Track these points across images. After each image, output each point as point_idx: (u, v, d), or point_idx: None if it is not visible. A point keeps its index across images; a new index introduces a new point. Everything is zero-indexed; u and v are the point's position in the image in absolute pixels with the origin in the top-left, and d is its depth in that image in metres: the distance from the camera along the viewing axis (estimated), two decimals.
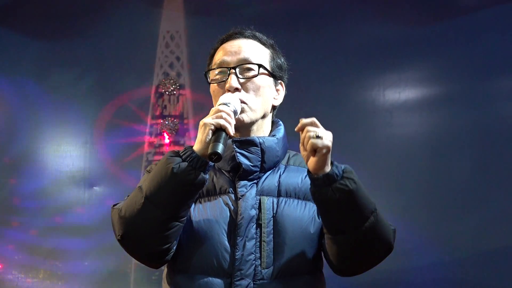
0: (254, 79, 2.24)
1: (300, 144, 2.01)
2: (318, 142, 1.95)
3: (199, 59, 4.51)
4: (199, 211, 2.17)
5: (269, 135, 2.29)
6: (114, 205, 2.18)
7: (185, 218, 2.11)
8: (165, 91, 5.08)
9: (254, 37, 2.31)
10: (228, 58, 2.25)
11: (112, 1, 5.20)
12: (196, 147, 2.05)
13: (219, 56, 2.28)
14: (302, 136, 1.99)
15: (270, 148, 2.23)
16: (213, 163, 2.04)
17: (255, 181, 2.20)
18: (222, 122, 2.04)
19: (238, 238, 2.12)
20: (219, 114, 2.06)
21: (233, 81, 2.21)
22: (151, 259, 2.16)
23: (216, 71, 2.27)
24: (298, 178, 2.23)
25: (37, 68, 5.19)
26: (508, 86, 4.74)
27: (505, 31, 4.69)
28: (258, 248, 2.12)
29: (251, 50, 2.27)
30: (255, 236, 2.13)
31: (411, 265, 4.59)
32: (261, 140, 2.21)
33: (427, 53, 4.79)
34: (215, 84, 2.26)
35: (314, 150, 1.97)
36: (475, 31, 4.72)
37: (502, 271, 4.50)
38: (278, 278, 2.11)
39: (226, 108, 2.09)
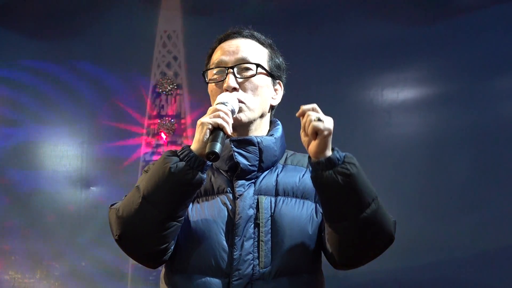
0: (252, 78, 2.23)
1: (301, 130, 2.00)
2: (320, 124, 1.94)
3: (197, 59, 4.49)
4: (197, 211, 2.17)
5: (267, 135, 2.28)
6: (112, 205, 2.17)
7: (183, 218, 2.10)
8: (162, 91, 5.08)
9: (252, 37, 2.30)
10: (226, 58, 2.25)
11: (109, 0, 5.19)
12: (194, 146, 2.04)
13: (217, 56, 2.28)
14: (303, 121, 1.98)
15: (268, 147, 2.22)
16: (210, 163, 2.03)
17: (253, 180, 2.20)
18: (219, 121, 2.03)
19: (236, 237, 2.11)
20: (217, 113, 2.05)
21: (231, 81, 2.20)
22: (149, 259, 2.16)
23: (214, 71, 2.27)
24: (295, 177, 2.23)
25: (34, 67, 5.18)
26: (506, 86, 4.74)
27: (504, 31, 4.69)
28: (256, 248, 2.11)
29: (249, 49, 2.26)
30: (253, 235, 2.12)
31: (408, 265, 4.58)
32: (259, 140, 2.21)
33: (425, 53, 4.79)
34: (213, 84, 2.26)
35: (315, 134, 1.96)
36: (474, 31, 4.72)
37: (499, 271, 4.50)
38: (276, 278, 2.10)
39: (224, 107, 2.08)
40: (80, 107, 5.11)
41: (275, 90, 2.33)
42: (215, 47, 2.32)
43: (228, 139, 2.17)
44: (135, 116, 5.09)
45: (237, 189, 2.17)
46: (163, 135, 5.04)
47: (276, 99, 2.33)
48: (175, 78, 5.10)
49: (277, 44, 2.38)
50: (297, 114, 1.99)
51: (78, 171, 5.07)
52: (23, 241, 5.03)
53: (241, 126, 2.23)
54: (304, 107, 1.98)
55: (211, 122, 2.03)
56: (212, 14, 5.03)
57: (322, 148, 1.96)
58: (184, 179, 2.00)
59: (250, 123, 2.24)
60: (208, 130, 2.03)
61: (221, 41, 2.31)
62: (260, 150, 2.20)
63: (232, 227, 2.13)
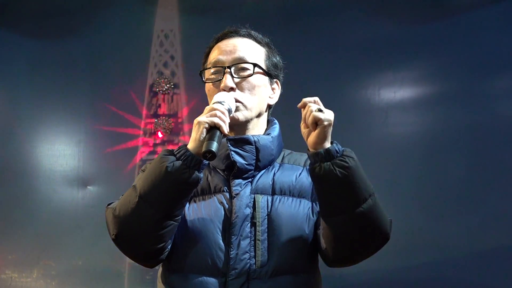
0: (249, 78, 2.23)
1: (302, 122, 2.00)
2: (320, 114, 1.95)
3: (194, 58, 4.52)
4: (193, 210, 2.17)
5: (264, 134, 2.28)
6: (109, 205, 2.17)
7: (180, 217, 2.10)
8: (159, 90, 5.07)
9: (249, 36, 2.30)
10: (223, 57, 2.25)
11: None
12: (190, 145, 2.04)
13: (214, 55, 2.28)
14: (304, 112, 1.99)
15: (265, 146, 2.22)
16: (207, 162, 2.03)
17: (250, 179, 2.20)
18: (216, 120, 2.03)
19: (233, 237, 2.11)
20: (213, 112, 2.05)
21: (228, 81, 2.21)
22: (146, 258, 2.16)
23: (211, 70, 2.27)
24: (292, 176, 2.23)
25: (30, 67, 5.18)
26: (504, 85, 4.74)
27: (501, 30, 4.69)
28: (252, 247, 2.11)
29: (246, 49, 2.26)
30: (249, 234, 2.12)
31: (405, 265, 4.58)
32: (256, 139, 2.21)
33: (422, 52, 4.79)
34: (210, 84, 2.26)
35: (315, 124, 1.97)
36: (471, 30, 4.72)
37: (497, 270, 4.50)
38: (273, 277, 2.10)
39: (221, 106, 2.08)
40: (77, 106, 5.11)
41: (273, 89, 2.33)
42: (212, 46, 2.32)
43: (225, 138, 2.17)
44: (132, 115, 5.09)
45: (233, 188, 2.17)
46: (160, 134, 5.03)
47: (274, 98, 2.34)
48: (172, 77, 5.09)
49: (274, 43, 2.38)
50: (298, 105, 2.00)
51: (75, 171, 5.06)
52: (20, 240, 5.02)
53: (238, 125, 2.23)
54: (306, 99, 1.99)
55: (207, 121, 2.03)
56: (209, 13, 5.03)
57: (321, 139, 1.97)
58: (180, 178, 2.00)
59: (247, 122, 2.24)
60: (204, 129, 2.03)
61: (218, 40, 2.31)
62: (257, 149, 2.21)
63: (228, 226, 2.13)
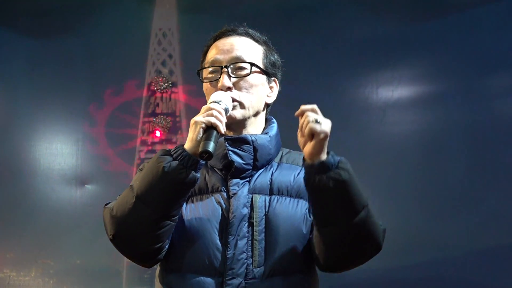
0: (247, 77, 2.23)
1: (298, 130, 1.99)
2: (317, 126, 1.92)
3: (192, 57, 4.51)
4: (191, 210, 2.16)
5: (262, 133, 2.28)
6: (106, 204, 2.17)
7: (177, 217, 2.10)
8: (157, 89, 5.07)
9: (247, 34, 2.30)
10: (220, 57, 2.24)
11: None
12: (187, 145, 2.04)
13: (211, 54, 2.27)
14: (301, 121, 1.97)
15: (262, 146, 2.22)
16: (204, 162, 2.03)
17: (248, 179, 2.19)
18: (213, 120, 2.03)
19: (230, 237, 2.11)
20: (210, 112, 2.05)
21: (225, 80, 2.20)
22: (143, 258, 2.16)
23: (209, 70, 2.26)
24: (290, 176, 2.23)
25: (28, 66, 5.17)
26: (502, 84, 4.74)
27: (499, 28, 4.69)
28: (250, 247, 2.11)
29: (244, 48, 2.26)
30: (247, 234, 2.12)
31: (403, 264, 4.58)
32: (253, 138, 2.20)
33: (420, 51, 4.78)
34: (208, 83, 2.26)
35: (312, 135, 1.95)
36: (469, 29, 4.72)
37: (496, 270, 4.50)
38: (270, 277, 2.10)
39: (217, 106, 2.08)
40: (75, 105, 5.10)
41: (270, 87, 2.32)
42: (210, 45, 2.31)
43: (223, 138, 2.17)
44: (130, 114, 5.08)
45: (231, 187, 2.16)
46: (158, 133, 5.03)
47: (271, 97, 2.33)
48: (170, 76, 5.09)
49: (272, 42, 2.37)
50: (296, 114, 1.98)
51: (73, 169, 5.05)
52: (18, 239, 5.02)
53: (236, 124, 2.23)
54: (304, 107, 1.96)
55: (204, 121, 2.03)
56: (208, 11, 5.02)
57: (317, 150, 1.96)
58: (177, 178, 2.00)
59: (244, 120, 2.24)
60: (201, 129, 2.03)
61: (216, 39, 2.31)
62: (255, 149, 2.20)
63: (226, 226, 2.12)
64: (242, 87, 2.22)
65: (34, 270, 4.97)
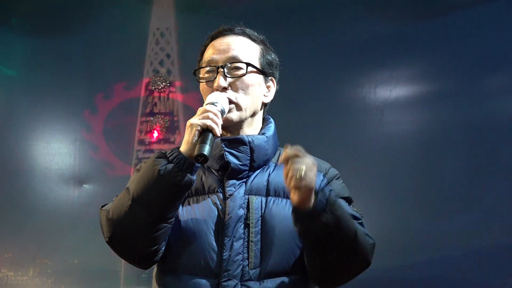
0: (243, 77, 2.22)
1: (284, 176, 1.97)
2: (302, 184, 1.92)
3: (190, 56, 4.50)
4: (187, 211, 2.16)
5: (259, 133, 2.27)
6: (103, 206, 2.17)
7: (173, 219, 2.10)
8: (155, 89, 5.06)
9: (244, 34, 2.29)
10: (216, 57, 2.24)
11: None
12: (183, 148, 2.04)
13: (208, 54, 2.27)
14: (285, 170, 1.95)
15: (259, 146, 2.21)
16: (199, 165, 2.02)
17: (244, 180, 2.19)
18: (208, 122, 2.03)
19: (226, 238, 2.11)
20: (206, 114, 2.05)
21: (221, 81, 2.19)
22: (140, 260, 2.16)
23: (205, 70, 2.26)
24: None
25: (26, 65, 5.16)
26: (500, 84, 4.73)
27: (497, 28, 4.69)
28: (245, 248, 2.11)
29: (240, 47, 2.25)
30: (243, 236, 2.11)
31: (402, 264, 4.58)
32: (250, 139, 2.20)
33: (418, 51, 4.78)
34: (204, 83, 2.25)
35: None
36: (467, 29, 4.71)
37: (494, 269, 4.50)
38: (266, 279, 2.10)
39: (213, 108, 2.08)
40: (73, 104, 5.09)
41: (268, 87, 2.31)
42: (207, 45, 2.31)
43: (219, 138, 2.16)
44: (128, 113, 5.08)
45: (227, 189, 2.16)
46: (156, 132, 5.02)
47: (269, 97, 2.32)
48: (168, 75, 5.08)
49: (270, 41, 2.37)
50: (279, 161, 1.96)
51: (70, 169, 5.05)
52: (16, 239, 5.01)
53: (233, 126, 2.22)
54: (288, 152, 1.94)
55: (200, 124, 2.03)
56: (205, 11, 5.01)
57: (304, 200, 1.96)
58: (173, 181, 2.00)
59: (241, 122, 2.23)
60: (197, 132, 2.02)
61: (213, 38, 2.30)
62: (252, 149, 2.19)
63: (222, 227, 2.12)
64: (239, 88, 2.21)
65: (32, 269, 4.97)
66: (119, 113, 5.08)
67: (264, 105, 2.32)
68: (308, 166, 1.93)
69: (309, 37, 4.88)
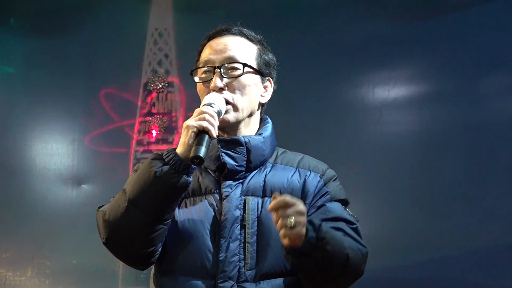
0: (240, 78, 2.21)
1: (274, 221, 1.96)
2: (292, 234, 1.92)
3: (188, 56, 4.48)
4: (184, 212, 2.16)
5: (256, 133, 2.26)
6: (99, 208, 2.17)
7: (170, 220, 2.10)
8: (153, 89, 5.06)
9: (241, 34, 2.28)
10: (213, 57, 2.23)
11: None
12: (179, 149, 2.04)
13: (205, 54, 2.26)
14: (274, 218, 1.95)
15: (256, 147, 2.21)
16: (195, 166, 2.02)
17: (241, 180, 2.19)
18: (205, 124, 2.03)
19: (222, 239, 2.10)
20: (202, 116, 2.04)
21: (217, 81, 2.19)
22: (137, 261, 2.16)
23: (202, 70, 2.25)
24: (284, 178, 2.22)
25: (24, 65, 5.16)
26: (498, 84, 4.73)
27: (496, 29, 4.68)
28: (242, 249, 2.10)
29: (237, 47, 2.25)
30: (239, 237, 2.11)
31: (401, 264, 4.58)
32: (246, 140, 2.19)
33: (417, 51, 4.78)
34: (201, 83, 2.25)
35: None
36: (466, 29, 4.71)
37: (493, 269, 4.50)
38: (262, 280, 2.10)
39: (210, 109, 2.07)
40: (71, 104, 5.09)
41: (265, 87, 2.31)
42: (204, 45, 2.30)
43: (216, 139, 2.15)
44: (126, 113, 5.07)
45: (224, 189, 2.16)
46: (154, 132, 5.02)
47: (266, 97, 2.31)
48: (166, 75, 5.08)
49: (268, 41, 2.36)
50: (268, 209, 1.95)
51: (69, 169, 5.04)
52: (14, 239, 5.01)
53: (229, 127, 2.22)
54: (276, 202, 1.93)
55: (196, 125, 2.03)
56: (204, 11, 5.01)
57: (295, 242, 1.96)
58: (169, 183, 2.00)
59: (238, 122, 2.23)
60: (193, 133, 2.02)
61: (210, 38, 2.29)
62: (248, 150, 2.19)
63: (218, 228, 2.12)
64: (235, 88, 2.20)
65: (30, 270, 4.97)
66: (117, 113, 5.07)
67: (261, 105, 2.32)
68: (298, 213, 1.93)
69: (307, 37, 4.87)
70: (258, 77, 2.26)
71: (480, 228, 4.53)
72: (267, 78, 2.31)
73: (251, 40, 2.29)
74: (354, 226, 2.18)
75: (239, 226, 2.12)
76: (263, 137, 2.24)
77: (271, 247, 2.09)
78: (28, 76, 5.15)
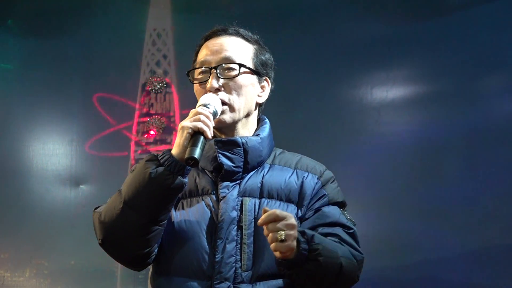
0: (236, 78, 2.21)
1: (264, 234, 1.96)
2: (282, 247, 1.92)
3: (186, 57, 4.49)
4: (180, 213, 2.16)
5: (253, 134, 2.26)
6: (96, 208, 2.17)
7: (166, 221, 2.09)
8: (151, 89, 5.06)
9: (237, 34, 2.28)
10: (209, 58, 2.23)
11: None
12: (174, 151, 2.04)
13: (201, 55, 2.26)
14: (265, 232, 1.95)
15: (253, 148, 2.20)
16: (190, 167, 2.02)
17: (238, 181, 2.18)
18: (200, 125, 2.02)
19: (219, 240, 2.10)
20: (197, 117, 2.04)
21: (213, 82, 2.19)
22: (133, 262, 2.16)
23: (198, 71, 2.25)
24: (281, 179, 2.21)
25: (22, 66, 5.16)
26: (496, 84, 4.73)
27: (494, 29, 4.68)
28: (238, 251, 2.10)
29: (233, 48, 2.24)
30: (235, 238, 2.11)
31: (398, 264, 4.57)
32: (243, 140, 2.19)
33: (415, 51, 4.77)
34: (197, 84, 2.24)
35: None
36: (464, 30, 4.71)
37: (489, 270, 4.49)
38: (258, 281, 2.10)
39: (205, 110, 2.07)
40: (69, 105, 5.09)
41: (262, 87, 2.30)
42: (201, 45, 2.30)
43: (213, 140, 2.15)
44: (125, 114, 5.07)
45: (221, 190, 2.15)
46: (152, 133, 5.02)
47: (263, 97, 2.31)
48: (165, 76, 5.08)
49: (267, 42, 2.36)
50: (258, 223, 1.96)
51: (67, 170, 5.04)
52: (13, 240, 5.01)
53: (227, 127, 2.22)
54: (265, 217, 1.93)
55: (191, 126, 2.02)
56: (202, 12, 5.01)
57: (286, 254, 1.96)
58: (164, 184, 2.00)
59: (235, 123, 2.22)
60: (188, 134, 2.02)
61: (207, 38, 2.29)
62: (245, 151, 2.18)
63: (215, 229, 2.11)
64: (232, 88, 2.20)
65: (29, 270, 4.97)
66: (115, 114, 5.07)
67: (258, 105, 2.31)
68: (288, 227, 1.93)
69: (305, 38, 4.87)
70: (254, 77, 2.26)
71: (477, 229, 4.53)
72: (264, 78, 2.30)
73: (247, 40, 2.29)
74: (351, 231, 2.18)
75: (235, 227, 2.11)
76: (260, 137, 2.23)
77: (268, 249, 2.06)
78: (26, 77, 5.14)
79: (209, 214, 2.13)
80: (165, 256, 2.14)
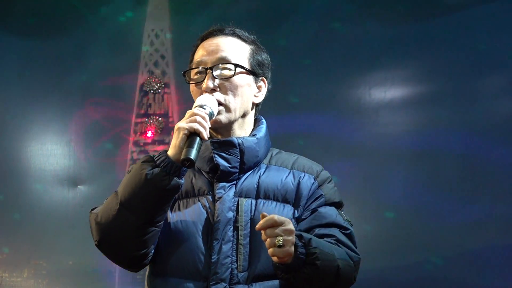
0: (232, 78, 2.20)
1: (262, 239, 1.97)
2: (280, 252, 1.92)
3: (184, 57, 4.49)
4: (177, 213, 2.15)
5: (250, 134, 2.25)
6: (92, 210, 2.17)
7: (162, 222, 2.09)
8: (150, 90, 5.06)
9: (233, 34, 2.27)
10: (205, 58, 2.22)
11: None
12: (171, 152, 2.03)
13: (197, 56, 2.25)
14: (263, 237, 1.95)
15: (249, 148, 2.19)
16: (186, 169, 2.01)
17: (234, 182, 2.17)
18: (196, 126, 2.02)
19: (215, 241, 2.09)
20: (193, 118, 2.03)
21: (209, 82, 2.18)
22: (129, 263, 2.15)
23: (194, 71, 2.24)
24: (278, 180, 2.20)
25: (21, 67, 5.16)
26: (494, 85, 4.73)
27: (492, 30, 4.68)
28: (234, 251, 2.09)
29: (229, 48, 2.23)
30: (231, 239, 2.10)
31: (397, 264, 4.58)
32: (239, 141, 2.18)
33: (413, 52, 4.78)
34: (193, 85, 2.23)
35: None
36: (462, 30, 4.71)
37: (487, 270, 4.50)
38: (254, 282, 2.09)
39: (201, 111, 2.06)
40: (68, 106, 5.09)
41: (258, 87, 2.29)
42: (198, 45, 2.29)
43: (209, 141, 2.15)
44: (123, 114, 5.07)
45: (217, 191, 2.15)
46: (150, 133, 5.02)
47: (259, 97, 2.30)
48: (163, 76, 5.08)
49: (265, 42, 2.35)
50: (256, 228, 1.95)
51: (65, 170, 5.04)
52: (11, 240, 5.01)
53: (223, 128, 2.21)
54: (263, 222, 1.93)
55: (187, 127, 2.02)
56: (200, 12, 5.01)
57: (284, 260, 1.96)
58: (160, 185, 2.00)
59: (231, 124, 2.21)
60: (184, 135, 2.01)
61: (203, 39, 2.28)
62: (241, 152, 2.18)
63: (211, 230, 2.11)
64: (227, 89, 2.19)
65: (27, 271, 4.97)
66: (113, 114, 5.07)
67: (255, 105, 2.31)
68: (286, 232, 1.93)
69: (304, 39, 4.87)
70: (251, 77, 2.25)
71: (475, 229, 4.53)
72: (260, 78, 2.29)
73: (244, 40, 2.27)
74: (348, 231, 2.18)
75: (231, 228, 2.11)
76: (256, 138, 2.23)
77: (264, 249, 2.05)
78: (24, 77, 5.15)
79: (205, 215, 2.13)
80: (161, 257, 2.14)
